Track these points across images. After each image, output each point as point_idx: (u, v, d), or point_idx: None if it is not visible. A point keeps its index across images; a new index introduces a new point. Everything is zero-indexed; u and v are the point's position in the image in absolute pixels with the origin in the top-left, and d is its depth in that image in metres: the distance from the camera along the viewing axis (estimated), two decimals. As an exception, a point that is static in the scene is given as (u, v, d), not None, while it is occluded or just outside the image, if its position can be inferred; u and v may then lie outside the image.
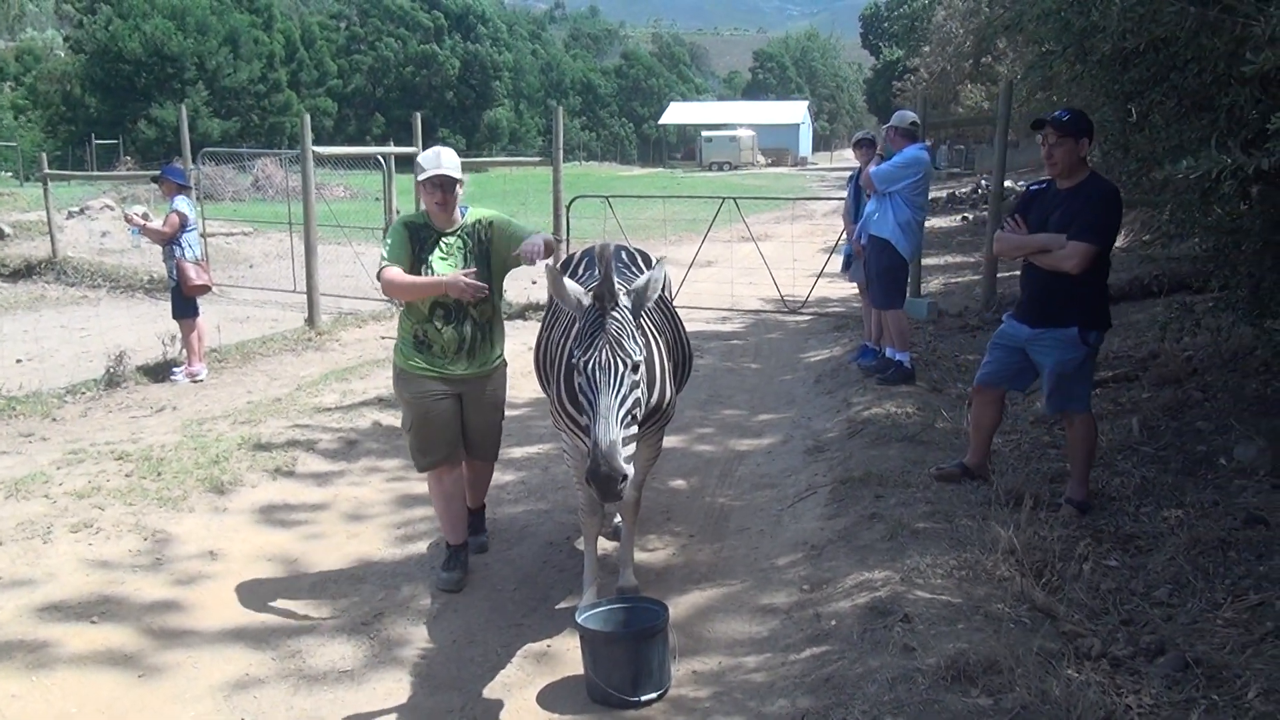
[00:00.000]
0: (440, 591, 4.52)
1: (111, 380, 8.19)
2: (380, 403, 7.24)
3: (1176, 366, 6.54)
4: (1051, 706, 2.97)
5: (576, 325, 3.53)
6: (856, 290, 9.16)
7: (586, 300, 3.44)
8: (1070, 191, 4.54)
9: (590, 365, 3.33)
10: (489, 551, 4.98)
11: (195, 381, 8.48)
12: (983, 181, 28.09)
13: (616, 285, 3.42)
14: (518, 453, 6.45)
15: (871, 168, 7.47)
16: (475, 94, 66.27)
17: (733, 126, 66.85)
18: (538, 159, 16.70)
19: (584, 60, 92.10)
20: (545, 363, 4.35)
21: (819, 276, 11.65)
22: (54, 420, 7.25)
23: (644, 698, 3.54)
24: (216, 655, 4.00)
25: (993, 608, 3.66)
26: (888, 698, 3.11)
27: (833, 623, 3.81)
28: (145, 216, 9.10)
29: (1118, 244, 5.58)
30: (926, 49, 26.97)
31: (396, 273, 4.25)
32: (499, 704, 3.67)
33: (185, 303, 8.58)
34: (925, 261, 11.01)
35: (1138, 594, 3.91)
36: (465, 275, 4.17)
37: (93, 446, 6.18)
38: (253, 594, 4.53)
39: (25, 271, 14.85)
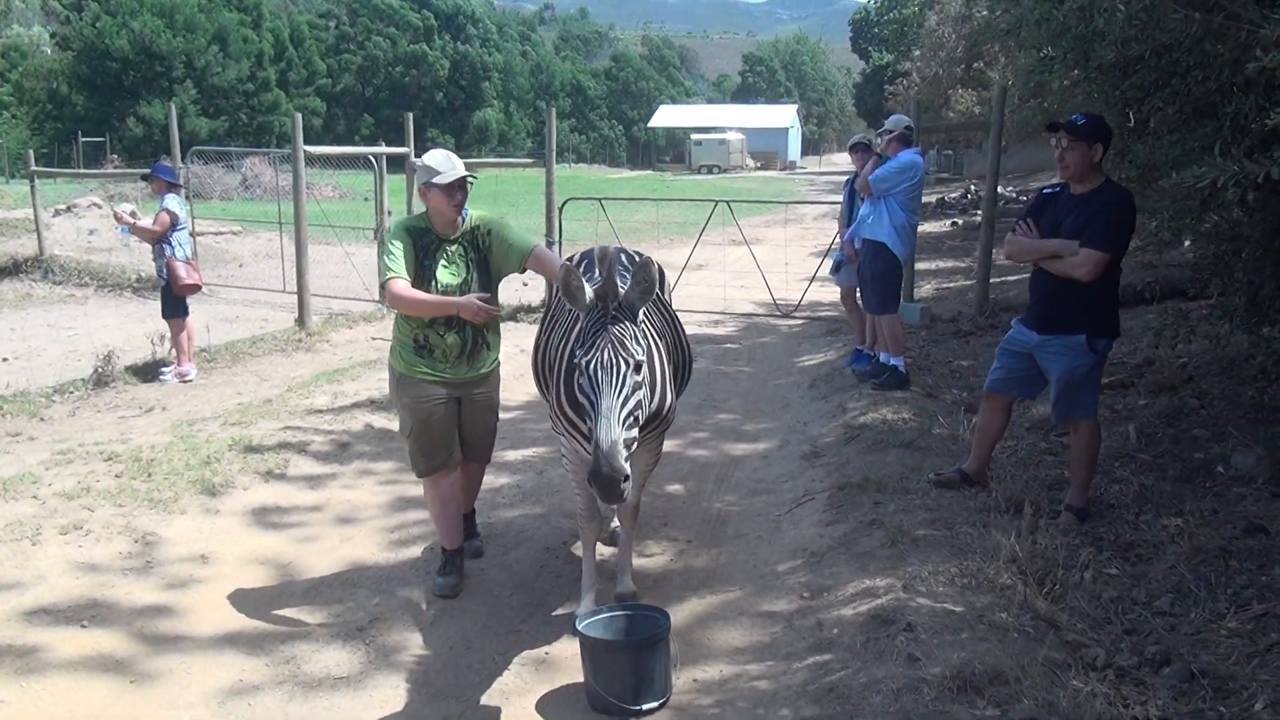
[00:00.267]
0: (436, 597, 4.46)
1: (100, 380, 8.10)
2: (372, 405, 7.18)
3: (1172, 373, 6.54)
4: (1059, 718, 2.95)
5: (578, 326, 3.49)
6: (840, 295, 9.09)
7: (589, 300, 3.41)
8: (1084, 197, 4.50)
9: (592, 365, 3.29)
10: (484, 556, 4.93)
11: (184, 381, 8.40)
12: (972, 186, 28.22)
13: (619, 285, 3.39)
14: (512, 456, 6.40)
15: (870, 171, 7.44)
16: (465, 95, 66.21)
17: (722, 130, 66.97)
18: (529, 161, 16.64)
19: (574, 62, 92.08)
20: (544, 367, 4.30)
21: (811, 280, 11.64)
22: (42, 420, 7.16)
23: (646, 707, 3.50)
24: (210, 661, 3.94)
25: (996, 616, 3.63)
26: (894, 708, 3.08)
27: (835, 631, 3.78)
28: (134, 215, 9.01)
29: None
30: (917, 53, 27.02)
31: (404, 286, 4.12)
32: (497, 711, 3.62)
33: (175, 302, 8.50)
34: (917, 266, 11.01)
35: (1140, 603, 3.89)
36: (479, 299, 4.11)
37: (81, 447, 6.11)
38: (246, 598, 4.46)
39: (12, 269, 14.70)
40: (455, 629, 4.22)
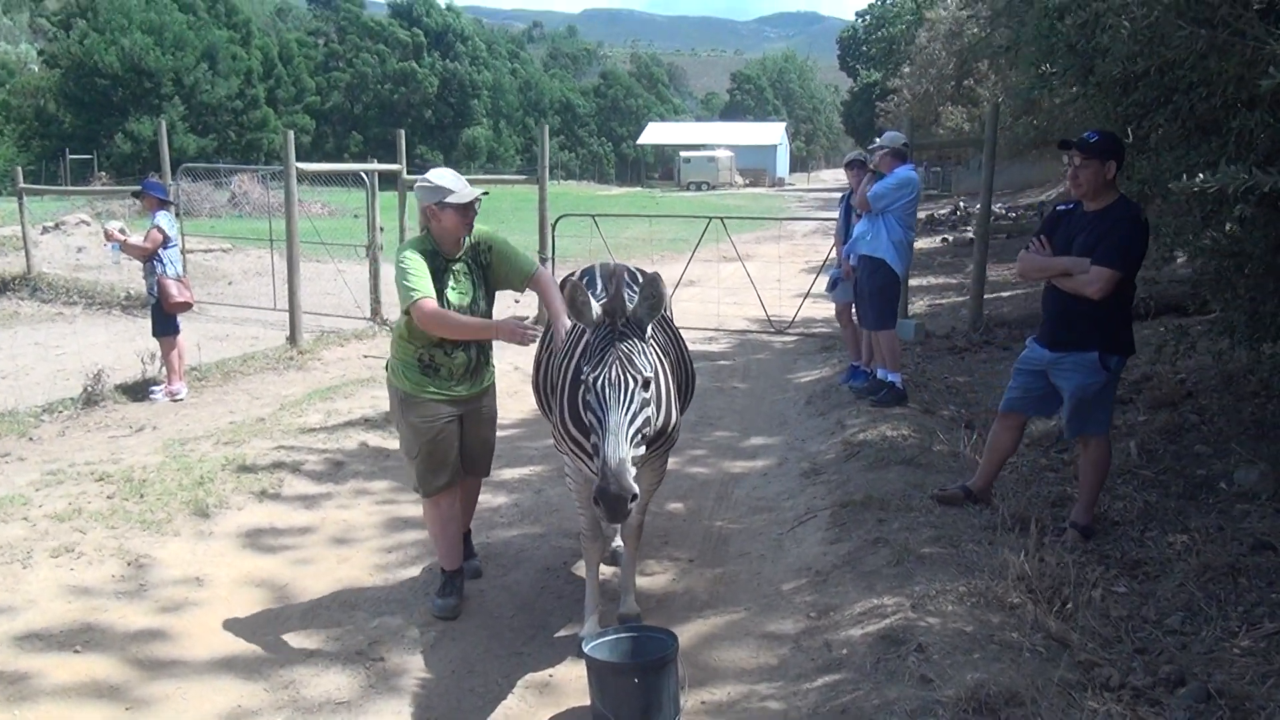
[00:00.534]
0: (436, 619, 4.39)
1: (89, 399, 8.01)
2: (366, 423, 7.11)
3: (1171, 389, 6.53)
4: (1076, 740, 2.90)
5: (584, 341, 3.44)
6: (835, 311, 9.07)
7: (596, 316, 3.37)
8: (1097, 214, 4.49)
9: (600, 381, 3.25)
10: (484, 577, 4.85)
11: (175, 400, 8.30)
12: (961, 203, 28.31)
13: (626, 301, 3.35)
14: (509, 474, 6.33)
15: (868, 188, 7.41)
16: (454, 112, 66.22)
17: (711, 147, 67.11)
18: (522, 178, 16.64)
19: (562, 80, 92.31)
20: (546, 385, 4.25)
21: (805, 296, 11.62)
22: (31, 440, 7.06)
23: (653, 730, 3.43)
24: (206, 686, 3.85)
25: (1007, 636, 3.58)
26: (909, 731, 3.03)
27: (844, 651, 3.72)
28: (124, 232, 8.93)
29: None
30: (907, 70, 27.16)
31: (437, 307, 4.01)
32: (501, 737, 3.56)
33: (166, 320, 8.41)
34: (910, 283, 11.00)
35: (1150, 621, 3.86)
36: (518, 322, 4.05)
37: (72, 467, 6.02)
38: (242, 622, 4.38)
39: (-1, 287, 14.59)
40: (456, 652, 4.14)
